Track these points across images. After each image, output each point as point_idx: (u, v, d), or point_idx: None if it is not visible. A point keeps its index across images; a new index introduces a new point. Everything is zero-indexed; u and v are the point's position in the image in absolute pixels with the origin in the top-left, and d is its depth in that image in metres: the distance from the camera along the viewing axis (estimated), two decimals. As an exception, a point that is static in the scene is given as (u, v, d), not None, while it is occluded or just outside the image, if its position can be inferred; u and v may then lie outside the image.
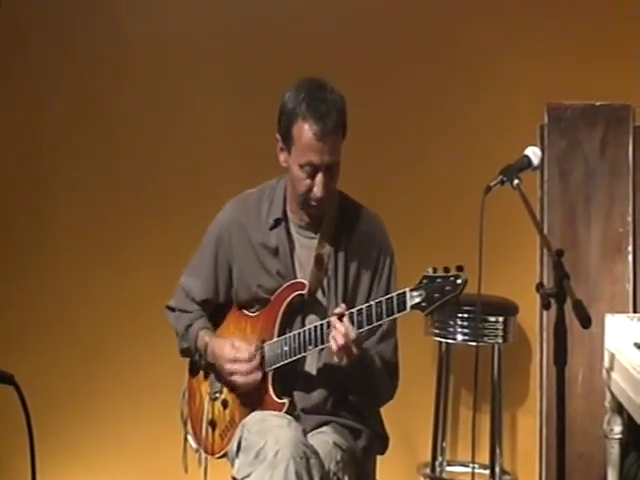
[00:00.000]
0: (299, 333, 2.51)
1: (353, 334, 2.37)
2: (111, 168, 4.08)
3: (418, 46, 3.97)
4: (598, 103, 3.88)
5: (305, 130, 2.45)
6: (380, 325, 2.54)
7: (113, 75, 4.06)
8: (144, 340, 3.93)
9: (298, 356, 2.52)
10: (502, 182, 2.29)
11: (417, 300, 2.32)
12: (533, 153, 2.36)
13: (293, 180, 2.54)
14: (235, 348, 2.59)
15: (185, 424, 2.81)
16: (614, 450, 3.25)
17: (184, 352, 2.81)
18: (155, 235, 4.01)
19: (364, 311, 2.39)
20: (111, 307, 4.04)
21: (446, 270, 2.32)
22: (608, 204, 3.84)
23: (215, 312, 2.78)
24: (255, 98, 3.72)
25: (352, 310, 2.41)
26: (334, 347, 2.39)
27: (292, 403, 2.56)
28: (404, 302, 2.33)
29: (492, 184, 2.29)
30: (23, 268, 4.08)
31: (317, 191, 2.49)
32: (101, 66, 4.06)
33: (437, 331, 3.70)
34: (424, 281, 2.32)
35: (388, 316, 2.36)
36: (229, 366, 2.59)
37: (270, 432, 2.40)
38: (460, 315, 3.63)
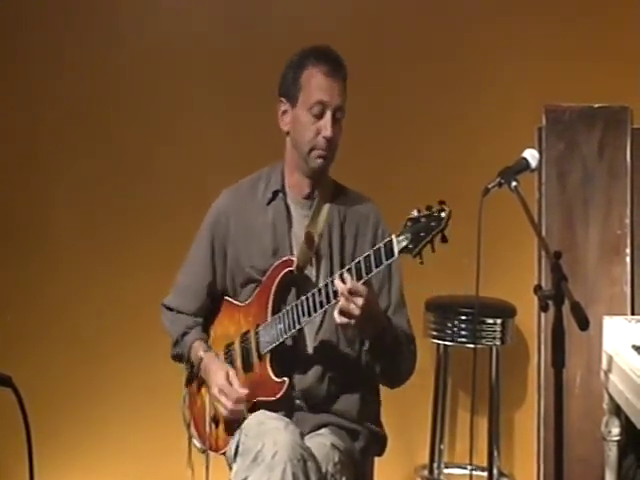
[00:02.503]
0: (291, 307, 2.50)
1: (348, 283, 2.34)
2: (110, 169, 4.08)
3: (417, 47, 3.98)
4: (596, 105, 3.89)
5: (316, 72, 2.53)
6: (389, 301, 2.60)
7: (111, 78, 4.06)
8: (143, 341, 3.92)
9: (294, 330, 2.50)
10: (500, 184, 2.29)
11: (404, 244, 2.28)
12: (531, 155, 2.36)
13: (299, 132, 2.57)
14: (228, 380, 2.60)
15: (188, 427, 2.81)
16: (612, 452, 3.26)
17: (175, 357, 2.83)
18: (154, 237, 4.01)
19: (353, 267, 2.37)
20: (110, 308, 4.03)
21: (429, 208, 2.30)
22: (606, 206, 3.85)
23: (210, 317, 2.79)
24: (255, 100, 3.71)
25: (342, 270, 2.39)
26: (337, 316, 2.37)
27: (291, 383, 2.55)
28: (391, 249, 2.30)
29: (490, 186, 2.29)
30: (22, 270, 4.08)
31: (325, 132, 2.52)
32: (99, 68, 4.06)
33: (435, 333, 3.70)
34: (408, 224, 2.30)
35: (377, 266, 2.33)
36: (215, 392, 2.62)
37: (267, 435, 2.39)
38: (458, 317, 3.63)
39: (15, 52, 4.07)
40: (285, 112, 2.61)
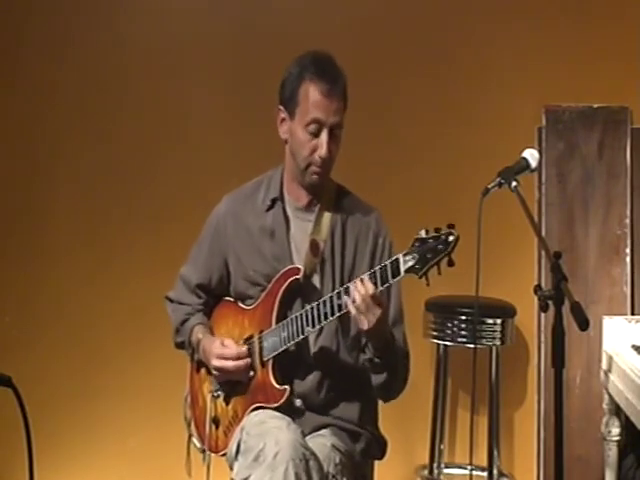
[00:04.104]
0: (296, 317, 2.50)
1: (371, 289, 2.34)
2: (109, 171, 4.07)
3: (417, 48, 3.98)
4: (596, 105, 3.89)
5: (312, 89, 2.50)
6: (388, 315, 2.57)
7: (114, 79, 4.05)
8: (144, 342, 3.93)
9: (297, 339, 2.51)
10: (500, 184, 2.29)
11: (410, 264, 2.30)
12: (531, 155, 2.36)
13: (295, 147, 2.56)
14: (224, 346, 2.61)
15: (189, 426, 2.81)
16: (612, 452, 3.26)
17: (178, 345, 2.83)
18: (155, 238, 4.01)
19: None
20: (110, 309, 4.03)
21: (437, 230, 2.30)
22: (606, 206, 3.85)
23: (213, 310, 2.80)
24: (255, 104, 3.72)
25: (348, 285, 2.40)
26: (352, 310, 2.37)
27: (292, 389, 2.55)
28: (398, 268, 2.31)
29: (490, 186, 2.29)
30: (22, 270, 4.08)
31: (321, 151, 2.51)
32: (101, 70, 4.06)
33: (435, 333, 3.70)
34: (416, 244, 2.30)
35: (383, 284, 2.35)
36: (215, 362, 2.61)
37: (269, 434, 2.39)
38: (458, 317, 3.63)
39: (16, 52, 4.06)
40: (283, 120, 2.60)
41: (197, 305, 2.79)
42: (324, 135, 2.50)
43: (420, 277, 2.30)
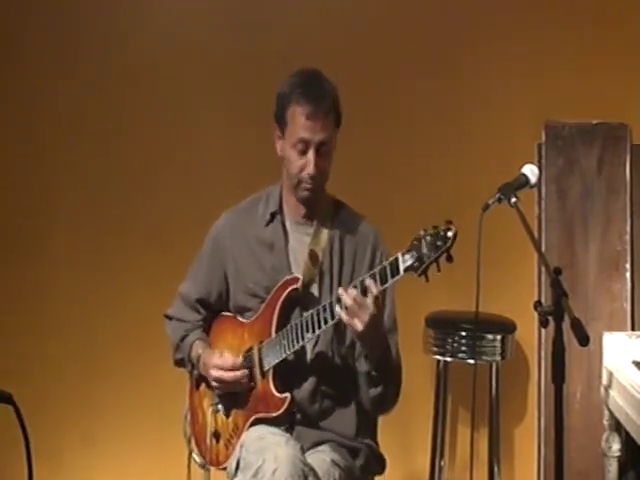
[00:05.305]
0: (295, 324, 2.51)
1: (358, 294, 2.34)
2: (111, 183, 4.07)
3: (418, 63, 3.99)
4: (595, 121, 3.90)
5: (297, 112, 2.55)
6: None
7: (112, 93, 4.06)
8: (144, 355, 3.92)
9: (297, 346, 2.51)
10: (500, 200, 2.30)
11: (409, 262, 2.28)
12: (531, 171, 2.37)
13: (287, 165, 2.61)
14: (222, 357, 2.62)
15: (189, 442, 2.81)
16: (612, 468, 3.25)
17: (178, 363, 2.84)
18: (154, 253, 4.01)
19: (358, 284, 2.38)
20: (110, 323, 4.03)
21: (435, 227, 2.30)
22: (605, 222, 3.86)
23: (211, 324, 2.81)
24: (258, 119, 3.73)
25: (349, 285, 2.39)
26: (344, 316, 2.37)
27: (293, 398, 2.55)
28: (397, 267, 2.30)
29: (490, 202, 2.30)
30: (22, 285, 4.08)
31: (308, 168, 2.55)
32: (101, 82, 4.06)
33: (435, 349, 3.70)
34: (414, 242, 2.30)
35: (383, 284, 2.34)
36: (213, 372, 2.62)
37: (268, 450, 2.39)
38: (458, 333, 3.63)
39: (17, 57, 4.06)
40: (279, 138, 2.64)
41: (196, 322, 2.80)
42: (311, 154, 2.55)
43: (419, 275, 2.28)
